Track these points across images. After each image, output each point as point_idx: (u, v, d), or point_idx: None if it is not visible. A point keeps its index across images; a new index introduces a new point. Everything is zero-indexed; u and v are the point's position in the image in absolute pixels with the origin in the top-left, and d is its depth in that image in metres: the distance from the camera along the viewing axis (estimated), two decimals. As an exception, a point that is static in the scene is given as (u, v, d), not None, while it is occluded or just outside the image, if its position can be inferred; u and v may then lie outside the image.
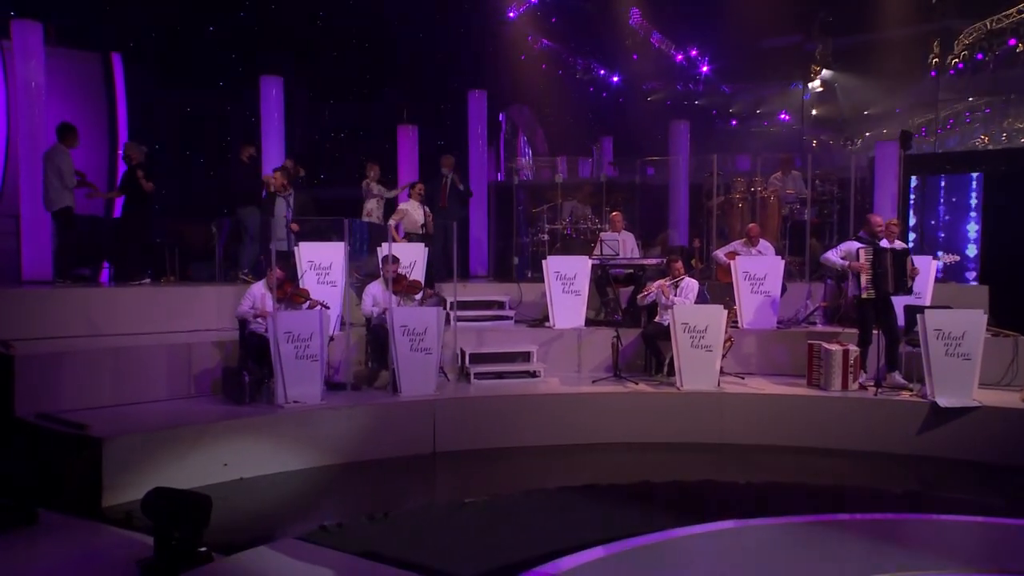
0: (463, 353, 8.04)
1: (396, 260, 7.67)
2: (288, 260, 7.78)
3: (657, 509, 5.37)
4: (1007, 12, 16.08)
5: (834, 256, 7.67)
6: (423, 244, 8.64)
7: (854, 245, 7.52)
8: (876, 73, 18.81)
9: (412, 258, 8.45)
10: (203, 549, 4.09)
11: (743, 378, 7.89)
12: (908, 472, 6.52)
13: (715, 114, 22.28)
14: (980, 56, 17.10)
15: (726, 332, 7.94)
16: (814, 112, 19.61)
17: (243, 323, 6.94)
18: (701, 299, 8.89)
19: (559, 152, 15.13)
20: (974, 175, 11.21)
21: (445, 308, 7.89)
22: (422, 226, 8.93)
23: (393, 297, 7.63)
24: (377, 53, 11.39)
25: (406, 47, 11.63)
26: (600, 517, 5.06)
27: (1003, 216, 10.80)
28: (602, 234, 9.16)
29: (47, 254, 8.65)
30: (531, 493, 5.65)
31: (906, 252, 7.47)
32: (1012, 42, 16.27)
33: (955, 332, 6.68)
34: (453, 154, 10.41)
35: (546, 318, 8.77)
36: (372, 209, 9.55)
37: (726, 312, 7.46)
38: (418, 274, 8.43)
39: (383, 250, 8.32)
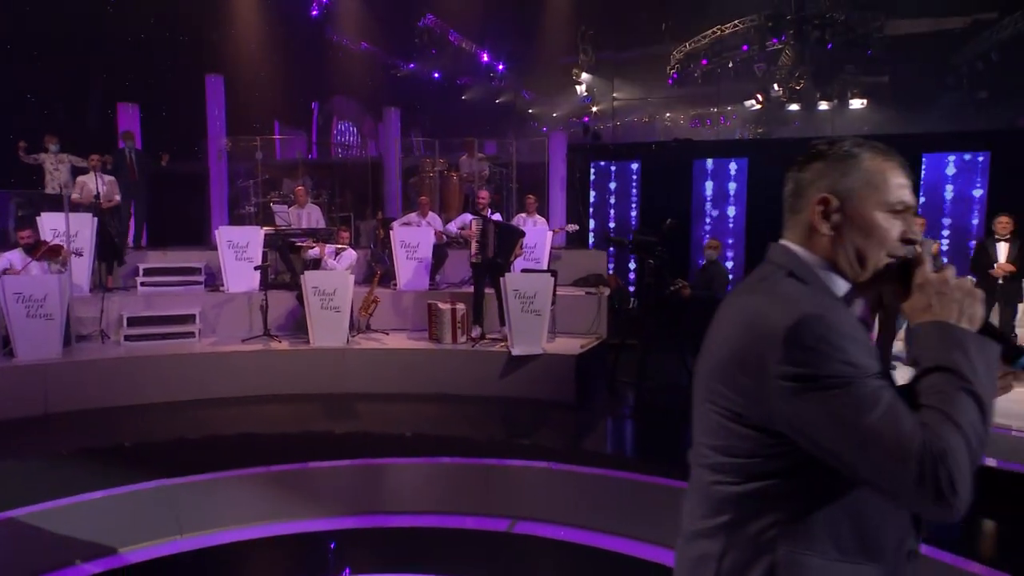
0: (122, 317, 7.18)
1: (30, 225, 6.68)
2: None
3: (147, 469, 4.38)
4: (702, 35, 16.80)
5: (452, 227, 7.45)
6: (91, 215, 7.59)
7: (468, 217, 7.32)
8: (627, 79, 19.62)
9: (77, 227, 7.40)
10: None
11: (388, 334, 7.57)
12: (464, 413, 6.28)
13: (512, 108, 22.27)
14: (688, 69, 17.86)
15: (372, 293, 7.61)
16: (594, 109, 20.03)
17: None
18: (380, 264, 8.58)
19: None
20: (634, 164, 11.45)
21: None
22: (96, 196, 7.85)
23: (35, 263, 6.67)
24: (99, 31, 10.01)
25: (130, 25, 10.31)
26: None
27: (653, 199, 11.11)
28: (274, 206, 8.47)
29: None
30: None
31: (513, 230, 7.24)
32: (704, 62, 17.03)
33: (529, 292, 6.61)
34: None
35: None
36: (50, 180, 8.35)
37: (352, 277, 7.04)
38: (83, 242, 7.43)
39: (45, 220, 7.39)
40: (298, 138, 14.62)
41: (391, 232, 8.21)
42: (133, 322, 7.17)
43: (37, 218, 7.43)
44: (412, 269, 8.17)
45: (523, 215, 8.56)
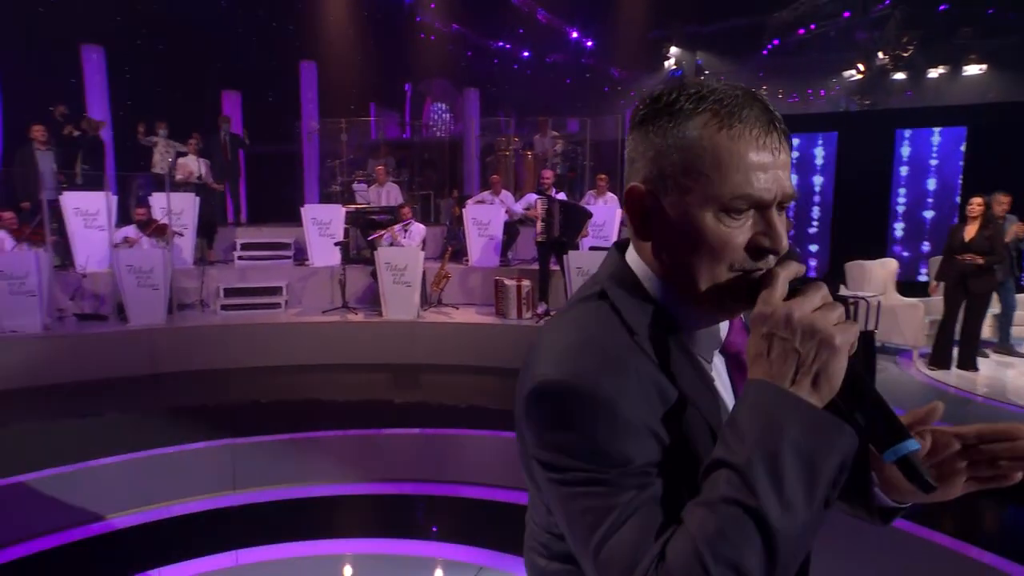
0: (219, 288, 7.73)
1: (144, 204, 7.28)
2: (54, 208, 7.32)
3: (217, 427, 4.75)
4: (798, 3, 15.62)
5: (518, 207, 7.40)
6: (194, 193, 8.16)
7: (533, 197, 7.25)
8: (717, 53, 18.87)
9: (182, 206, 8.00)
10: None
11: (457, 308, 7.70)
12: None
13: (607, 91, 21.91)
14: (776, 41, 16.76)
15: (443, 269, 7.74)
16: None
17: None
18: (455, 240, 8.73)
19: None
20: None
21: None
22: (198, 177, 8.43)
23: (145, 238, 7.29)
24: (201, 26, 10.65)
25: (233, 20, 10.90)
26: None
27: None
28: (354, 185, 8.75)
29: None
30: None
31: (579, 209, 7.11)
32: (801, 31, 15.85)
33: (592, 270, 6.46)
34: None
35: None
36: (157, 161, 9.03)
37: (422, 253, 7.17)
38: (187, 220, 8.02)
39: (156, 200, 7.99)
40: (392, 119, 15.02)
41: (464, 211, 8.29)
42: (229, 293, 7.69)
43: (150, 198, 8.09)
44: (483, 246, 8.24)
45: (592, 193, 8.37)
